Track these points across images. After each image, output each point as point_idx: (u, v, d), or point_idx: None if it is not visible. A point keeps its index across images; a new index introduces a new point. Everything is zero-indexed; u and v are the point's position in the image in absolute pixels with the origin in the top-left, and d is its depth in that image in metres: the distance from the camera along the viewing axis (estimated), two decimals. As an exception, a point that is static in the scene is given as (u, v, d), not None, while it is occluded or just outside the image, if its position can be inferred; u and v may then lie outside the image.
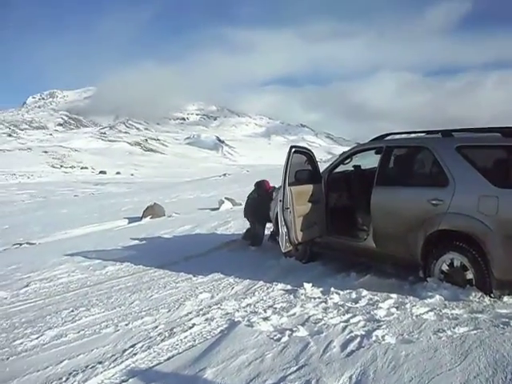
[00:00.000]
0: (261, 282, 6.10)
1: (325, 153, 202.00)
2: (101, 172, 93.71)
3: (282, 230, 5.87)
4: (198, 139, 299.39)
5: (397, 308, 4.70)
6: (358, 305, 4.88)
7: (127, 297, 6.06)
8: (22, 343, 4.72)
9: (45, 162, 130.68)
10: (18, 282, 7.43)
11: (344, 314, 4.64)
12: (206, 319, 4.93)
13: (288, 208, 5.82)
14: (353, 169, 7.17)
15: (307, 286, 5.58)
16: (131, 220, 15.23)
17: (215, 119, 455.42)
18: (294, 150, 6.00)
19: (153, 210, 15.65)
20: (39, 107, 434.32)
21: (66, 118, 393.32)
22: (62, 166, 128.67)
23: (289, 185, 5.85)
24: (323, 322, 4.49)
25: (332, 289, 5.37)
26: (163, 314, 5.27)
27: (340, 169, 6.87)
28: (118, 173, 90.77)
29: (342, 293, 5.27)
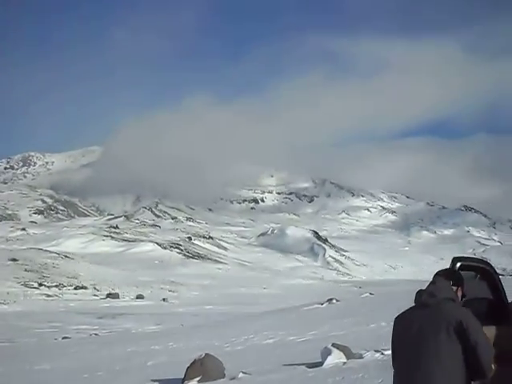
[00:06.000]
0: None
1: (509, 256, 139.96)
2: (109, 295, 55.41)
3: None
4: (279, 236, 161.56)
5: None
6: None
7: None
8: None
9: (12, 278, 68.29)
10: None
11: None
12: None
13: None
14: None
15: None
16: (164, 385, 9.76)
17: (311, 201, 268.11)
18: (459, 264, 3.95)
19: (203, 367, 10.26)
20: (5, 183, 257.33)
21: (49, 202, 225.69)
22: (41, 285, 70.90)
23: None
24: None
25: None
26: None
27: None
28: (139, 296, 56.41)
29: None
